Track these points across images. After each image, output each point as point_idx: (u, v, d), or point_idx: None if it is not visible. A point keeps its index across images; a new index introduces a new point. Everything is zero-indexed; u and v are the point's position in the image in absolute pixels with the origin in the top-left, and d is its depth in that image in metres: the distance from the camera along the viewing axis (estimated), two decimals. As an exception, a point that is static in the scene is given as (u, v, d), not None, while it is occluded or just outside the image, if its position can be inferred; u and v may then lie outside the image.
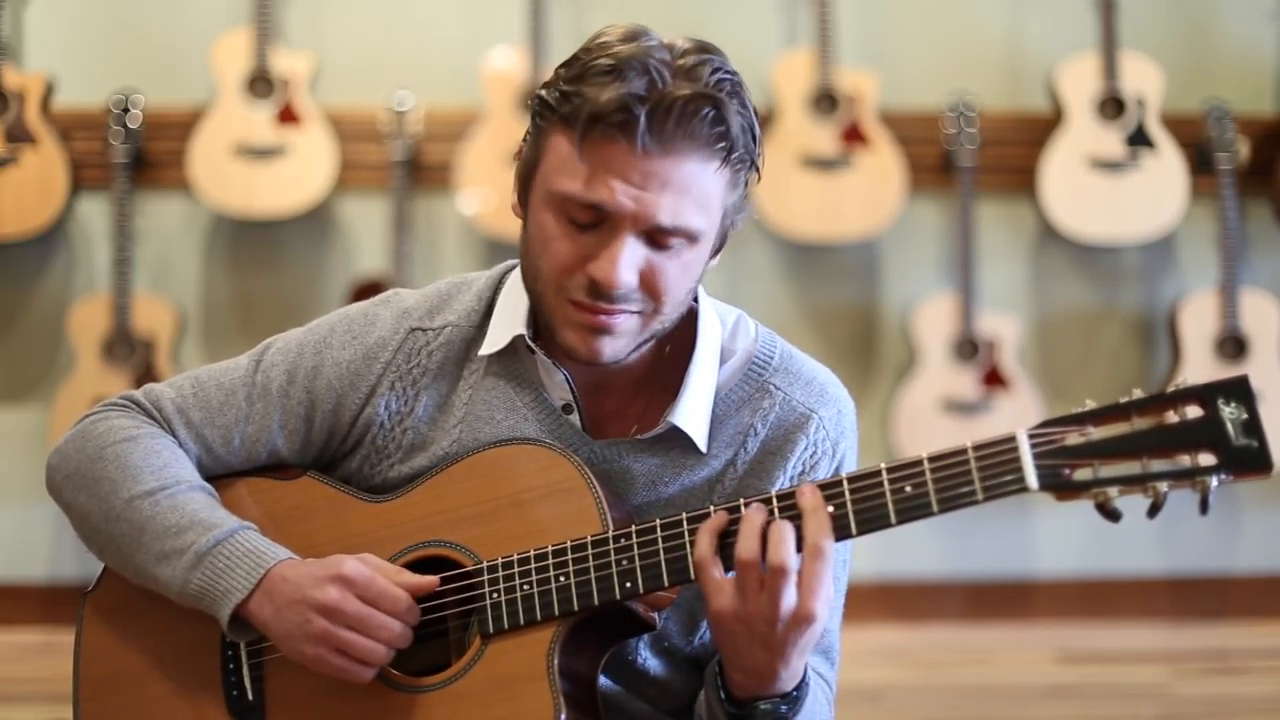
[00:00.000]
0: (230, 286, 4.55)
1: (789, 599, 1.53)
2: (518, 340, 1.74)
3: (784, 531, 1.54)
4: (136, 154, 4.37)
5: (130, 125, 4.34)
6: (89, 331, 4.33)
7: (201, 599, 1.67)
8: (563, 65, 1.63)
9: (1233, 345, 4.38)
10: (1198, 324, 4.39)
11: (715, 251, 1.68)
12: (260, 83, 4.35)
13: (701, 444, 1.72)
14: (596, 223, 1.60)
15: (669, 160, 1.57)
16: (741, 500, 1.60)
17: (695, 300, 1.74)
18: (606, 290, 1.60)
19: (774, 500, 1.58)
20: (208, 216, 4.51)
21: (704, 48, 1.61)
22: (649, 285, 1.62)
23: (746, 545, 1.55)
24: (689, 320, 1.73)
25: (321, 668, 1.65)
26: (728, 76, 1.60)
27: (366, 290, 4.30)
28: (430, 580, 1.67)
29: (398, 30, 4.56)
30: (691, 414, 1.71)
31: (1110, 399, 1.56)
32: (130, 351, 4.31)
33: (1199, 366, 4.36)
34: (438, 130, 4.43)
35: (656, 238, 1.60)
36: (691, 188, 1.59)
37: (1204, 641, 4.41)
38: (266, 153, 4.33)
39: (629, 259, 1.59)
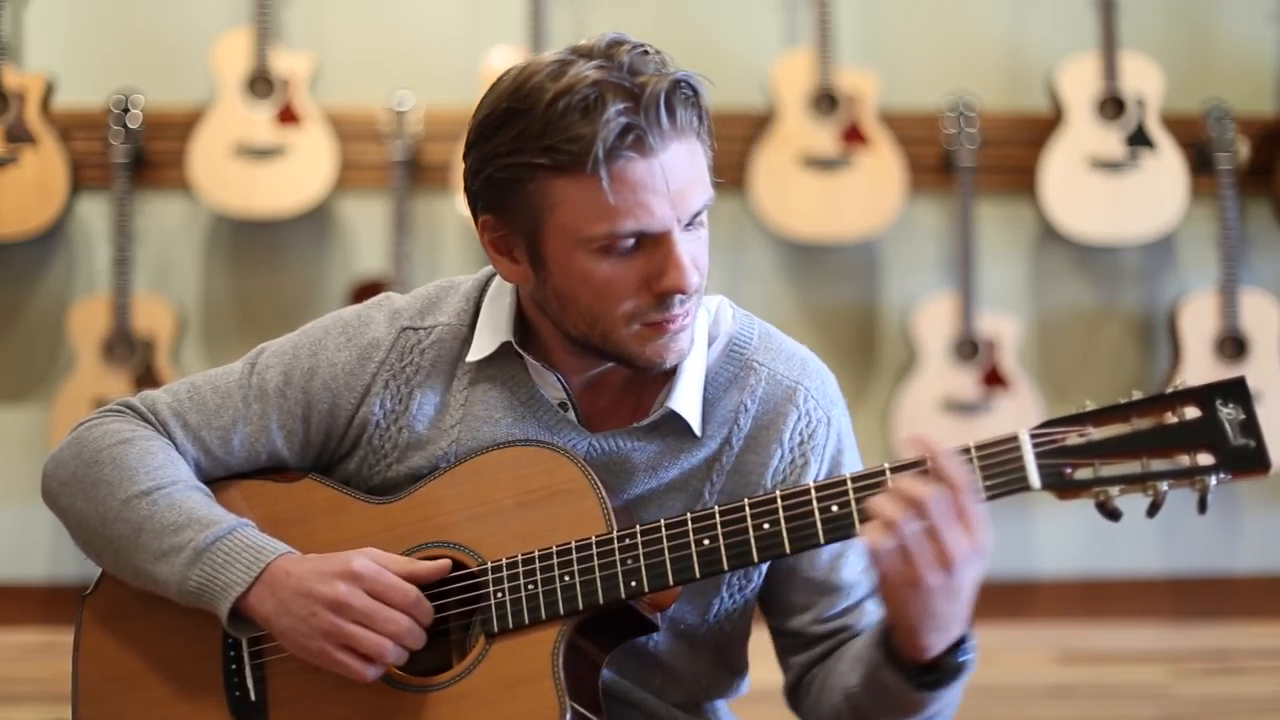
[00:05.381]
0: (230, 286, 4.55)
1: (957, 539, 1.51)
2: (505, 346, 1.75)
3: (920, 482, 1.52)
4: (136, 154, 4.37)
5: (130, 125, 4.34)
6: (89, 331, 4.33)
7: (201, 595, 1.67)
8: (500, 126, 1.61)
9: (1233, 345, 4.38)
10: (1198, 324, 4.39)
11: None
12: (260, 83, 4.35)
13: (696, 427, 1.73)
14: (640, 242, 1.61)
15: (674, 148, 1.60)
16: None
17: None
18: (683, 294, 1.62)
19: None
20: (208, 216, 4.51)
21: (615, 40, 1.63)
22: (699, 271, 1.65)
23: (890, 508, 1.51)
24: None
25: (324, 662, 1.64)
26: (654, 52, 1.63)
27: (366, 290, 4.30)
28: (442, 564, 1.67)
29: (398, 30, 4.56)
30: (686, 399, 1.72)
31: (1110, 399, 1.57)
32: (130, 352, 4.31)
33: (1199, 366, 4.36)
34: (438, 130, 4.43)
35: (690, 223, 1.63)
36: (695, 159, 1.63)
37: (1204, 641, 4.41)
38: (266, 153, 4.33)
39: (688, 257, 1.62)
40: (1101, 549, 4.50)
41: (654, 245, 1.61)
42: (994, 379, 4.38)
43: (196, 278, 4.55)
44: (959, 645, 1.58)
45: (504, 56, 4.37)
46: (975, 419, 4.36)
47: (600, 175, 1.57)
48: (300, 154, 4.35)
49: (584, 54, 1.62)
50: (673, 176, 1.59)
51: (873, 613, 1.76)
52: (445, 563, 1.68)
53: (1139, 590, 4.57)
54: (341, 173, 4.40)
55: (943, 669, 1.59)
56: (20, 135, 4.23)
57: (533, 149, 1.59)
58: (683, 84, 1.60)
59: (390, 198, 4.39)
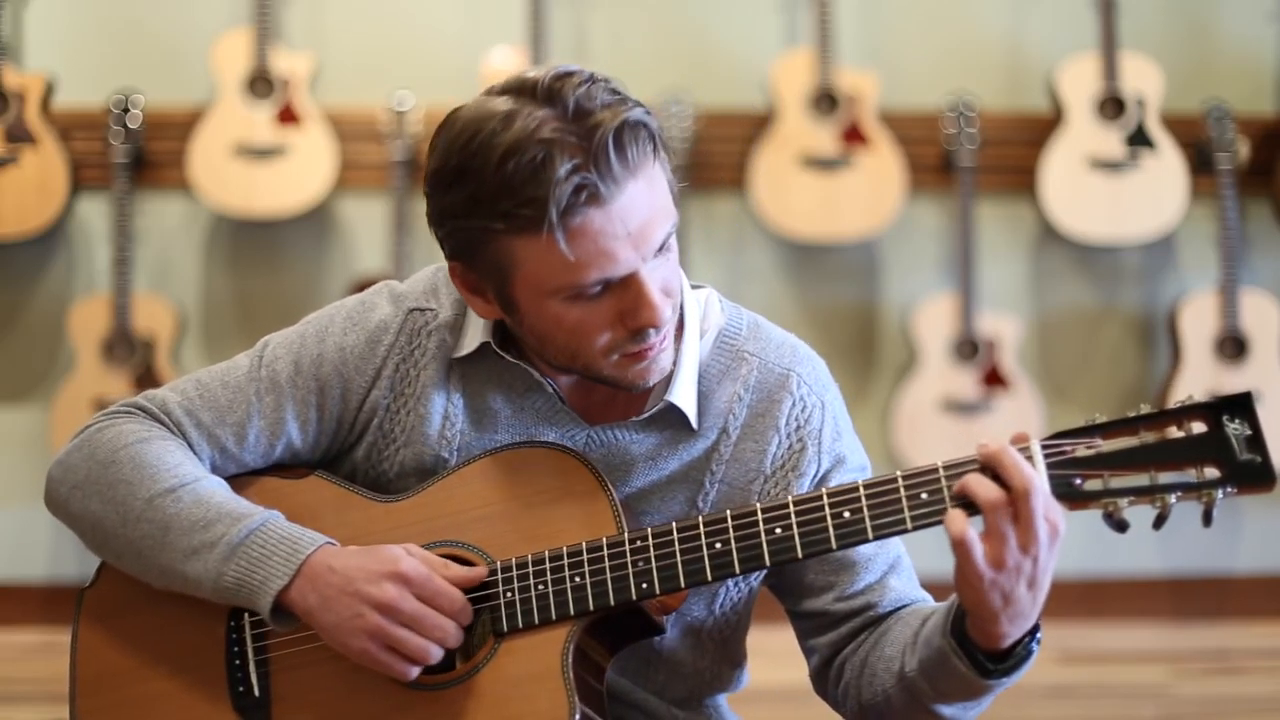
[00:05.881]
0: (230, 286, 4.55)
1: (1042, 521, 1.53)
2: (486, 346, 1.76)
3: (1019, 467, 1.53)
4: (136, 154, 4.37)
5: (130, 125, 4.34)
6: (89, 331, 4.33)
7: (239, 591, 1.66)
8: (453, 183, 1.60)
9: (1233, 345, 4.38)
10: (1198, 324, 4.39)
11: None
12: (260, 83, 4.35)
13: (693, 420, 1.74)
14: (608, 285, 1.61)
15: (630, 189, 1.58)
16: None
17: None
18: (656, 328, 1.63)
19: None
20: (208, 216, 4.51)
21: (561, 74, 1.59)
22: (670, 295, 1.65)
23: (987, 489, 1.53)
24: None
25: (366, 661, 1.65)
26: (601, 81, 1.60)
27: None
28: (479, 571, 1.67)
29: (398, 30, 4.56)
30: (683, 391, 1.74)
31: (1110, 399, 1.59)
32: (130, 351, 4.31)
33: (1199, 367, 4.36)
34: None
35: (657, 252, 1.63)
36: (655, 191, 1.61)
37: (1204, 641, 4.41)
38: (266, 153, 4.33)
39: (657, 291, 1.62)
40: (1101, 549, 4.50)
41: (623, 286, 1.61)
42: (994, 379, 4.38)
43: (196, 278, 4.55)
44: (1028, 634, 1.61)
45: (504, 56, 4.37)
46: (975, 419, 4.36)
47: (557, 236, 1.56)
48: (300, 154, 4.35)
49: (529, 92, 1.59)
50: (631, 217, 1.58)
51: (896, 589, 1.77)
52: (483, 570, 1.67)
53: (1139, 590, 4.57)
54: (341, 173, 4.40)
55: (1013, 658, 1.61)
56: (20, 135, 4.23)
57: (487, 213, 1.58)
58: (623, 124, 1.57)
59: (390, 198, 4.39)
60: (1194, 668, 4.19)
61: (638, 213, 1.58)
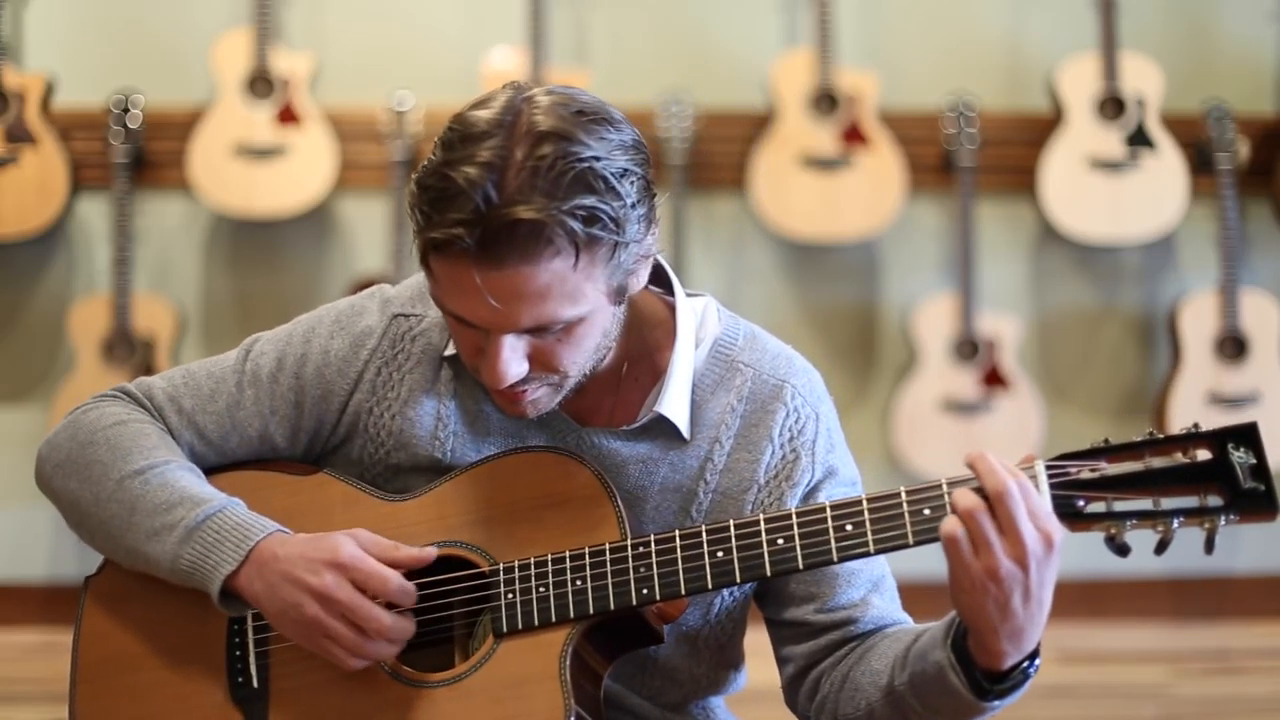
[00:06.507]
0: (230, 286, 4.55)
1: (1028, 527, 1.51)
2: None
3: (989, 463, 1.53)
4: (136, 154, 4.37)
5: (130, 125, 4.34)
6: (89, 331, 4.34)
7: (193, 574, 1.68)
8: (434, 147, 1.60)
9: (1233, 345, 4.38)
10: (1198, 324, 4.39)
11: (619, 299, 1.65)
12: (260, 83, 4.35)
13: (685, 431, 1.74)
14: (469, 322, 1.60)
15: (513, 275, 1.54)
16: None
17: (671, 294, 1.77)
18: (494, 390, 1.63)
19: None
20: (208, 216, 4.52)
21: (559, 133, 1.53)
22: (544, 365, 1.62)
23: (966, 497, 1.53)
24: (668, 314, 1.76)
25: (310, 648, 1.66)
26: (576, 165, 1.53)
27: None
28: (428, 552, 1.67)
29: (398, 30, 4.56)
30: (675, 402, 1.73)
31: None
32: (130, 351, 4.32)
33: (1199, 367, 4.36)
34: (438, 130, 4.39)
35: (532, 332, 1.59)
36: (549, 290, 1.55)
37: (1204, 641, 4.41)
38: (266, 153, 4.33)
39: (509, 357, 1.59)
40: (1101, 549, 4.48)
41: (484, 332, 1.60)
42: (994, 379, 4.38)
43: (196, 278, 4.55)
44: (1027, 657, 1.60)
45: (504, 56, 4.37)
46: (975, 419, 4.36)
47: (420, 252, 1.58)
48: (300, 154, 4.35)
49: (526, 122, 1.55)
50: (500, 293, 1.54)
51: (878, 607, 1.77)
52: (431, 551, 1.68)
53: (1139, 590, 4.57)
54: (341, 173, 4.40)
55: (1010, 680, 1.60)
56: (20, 135, 4.24)
57: (415, 195, 1.59)
58: (536, 224, 1.51)
59: (390, 198, 4.39)
60: (1194, 668, 4.20)
61: (503, 293, 1.54)
